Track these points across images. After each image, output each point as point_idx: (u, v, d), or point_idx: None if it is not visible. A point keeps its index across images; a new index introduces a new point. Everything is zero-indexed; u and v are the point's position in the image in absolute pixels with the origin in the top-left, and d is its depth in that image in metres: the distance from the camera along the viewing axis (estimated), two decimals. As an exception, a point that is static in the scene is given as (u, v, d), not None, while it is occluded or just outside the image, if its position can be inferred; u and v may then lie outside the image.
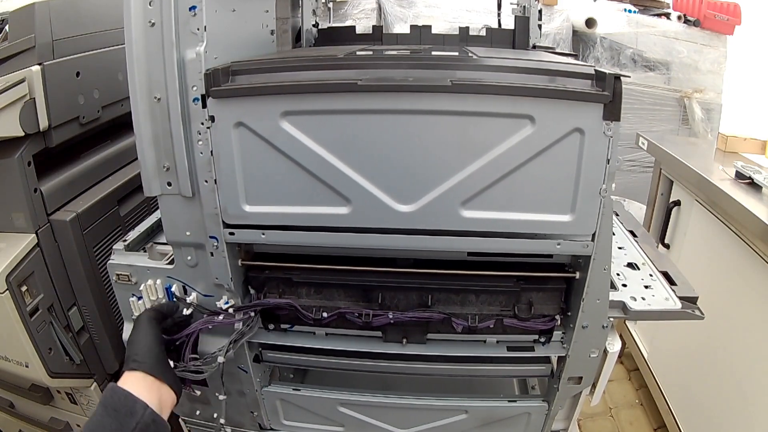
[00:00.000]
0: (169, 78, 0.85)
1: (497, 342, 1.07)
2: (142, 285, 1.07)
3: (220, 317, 1.01)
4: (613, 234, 0.95)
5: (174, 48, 0.84)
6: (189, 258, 1.03)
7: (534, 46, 1.53)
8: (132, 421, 0.80)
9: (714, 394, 1.80)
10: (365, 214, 0.90)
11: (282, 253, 1.05)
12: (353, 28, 1.66)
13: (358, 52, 1.11)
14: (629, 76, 0.97)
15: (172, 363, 0.95)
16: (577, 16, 3.36)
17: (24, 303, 1.24)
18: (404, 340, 1.05)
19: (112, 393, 0.83)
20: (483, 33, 1.56)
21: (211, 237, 0.96)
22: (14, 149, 1.21)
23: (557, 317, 1.04)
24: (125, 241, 1.16)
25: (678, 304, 1.04)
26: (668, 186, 2.21)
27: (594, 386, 1.12)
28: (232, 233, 0.95)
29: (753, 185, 1.70)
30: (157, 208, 1.02)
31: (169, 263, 1.08)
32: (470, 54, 1.09)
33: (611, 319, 1.01)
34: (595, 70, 0.82)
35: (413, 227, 0.91)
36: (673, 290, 1.08)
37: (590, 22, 3.33)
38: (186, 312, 1.03)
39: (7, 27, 1.17)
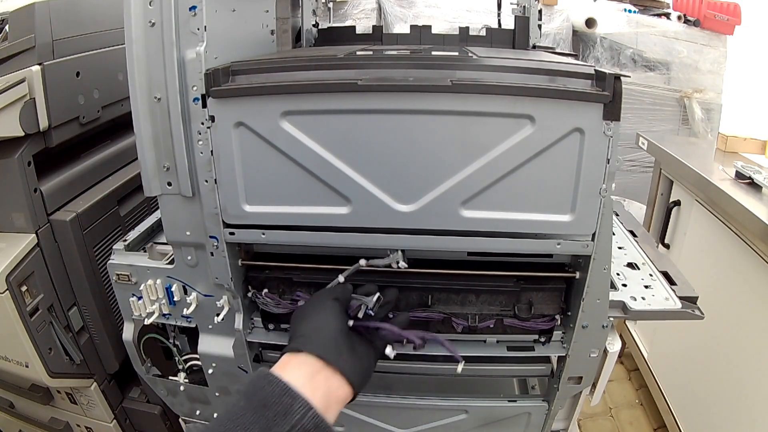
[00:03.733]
0: (169, 78, 0.85)
1: (497, 342, 1.07)
2: (142, 285, 1.07)
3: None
4: (613, 234, 0.95)
5: (174, 48, 0.84)
6: (189, 258, 1.03)
7: (534, 46, 1.53)
8: (285, 425, 0.58)
9: (714, 394, 1.80)
10: (365, 213, 0.90)
11: (282, 252, 1.05)
12: (353, 28, 1.66)
13: (358, 52, 1.11)
14: (629, 76, 0.97)
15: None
16: (577, 16, 3.36)
17: (24, 303, 1.24)
18: (404, 340, 1.04)
19: (263, 382, 0.61)
20: (483, 33, 1.56)
21: (211, 237, 0.96)
22: (14, 149, 1.21)
23: (557, 317, 1.04)
24: (125, 241, 1.16)
25: (678, 304, 1.04)
26: (668, 186, 2.21)
27: (594, 386, 1.12)
28: (232, 233, 0.95)
29: (753, 185, 1.70)
30: (157, 208, 1.02)
31: (169, 263, 1.08)
32: (470, 54, 1.09)
33: (611, 319, 1.01)
34: (595, 70, 0.82)
35: (413, 227, 0.91)
36: (673, 290, 1.08)
37: (590, 22, 3.33)
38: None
39: (7, 27, 1.17)
